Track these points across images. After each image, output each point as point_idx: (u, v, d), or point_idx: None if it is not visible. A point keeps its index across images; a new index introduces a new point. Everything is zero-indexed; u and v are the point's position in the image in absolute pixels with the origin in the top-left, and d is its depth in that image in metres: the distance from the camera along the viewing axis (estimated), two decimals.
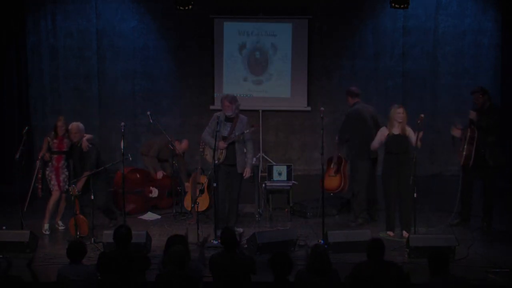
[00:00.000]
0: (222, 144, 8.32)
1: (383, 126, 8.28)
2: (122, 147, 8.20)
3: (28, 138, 8.68)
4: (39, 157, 8.61)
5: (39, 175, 8.54)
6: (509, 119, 11.50)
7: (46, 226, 8.60)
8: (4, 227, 8.37)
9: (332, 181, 9.29)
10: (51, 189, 8.61)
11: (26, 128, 8.62)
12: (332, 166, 9.29)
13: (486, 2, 11.93)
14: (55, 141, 8.58)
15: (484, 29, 11.96)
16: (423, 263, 6.20)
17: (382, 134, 8.18)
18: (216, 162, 8.23)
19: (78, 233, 8.00)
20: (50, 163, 8.57)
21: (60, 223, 8.77)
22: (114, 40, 12.19)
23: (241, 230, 8.34)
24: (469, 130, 8.26)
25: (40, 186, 8.52)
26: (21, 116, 11.69)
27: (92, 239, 7.93)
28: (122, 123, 8.29)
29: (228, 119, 8.36)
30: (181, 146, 9.81)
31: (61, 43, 12.14)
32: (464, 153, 8.26)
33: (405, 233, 8.07)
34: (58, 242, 8.16)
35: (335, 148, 9.22)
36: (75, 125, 8.71)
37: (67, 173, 8.66)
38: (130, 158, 8.53)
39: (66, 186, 8.57)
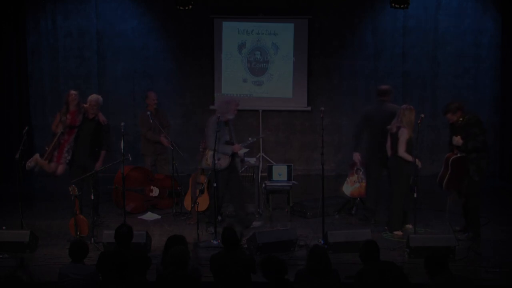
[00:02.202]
0: (238, 147, 8.42)
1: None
2: (122, 147, 8.21)
3: (28, 138, 8.67)
4: (55, 132, 8.61)
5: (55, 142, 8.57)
6: (509, 119, 11.52)
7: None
8: (4, 227, 8.39)
9: (360, 188, 9.19)
10: (52, 159, 8.61)
11: (26, 128, 8.62)
12: (355, 171, 9.23)
13: (486, 2, 11.91)
14: (68, 116, 8.56)
15: (484, 29, 11.94)
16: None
17: (406, 139, 8.18)
18: (226, 165, 8.37)
19: (78, 233, 8.00)
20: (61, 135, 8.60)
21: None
22: (114, 40, 12.18)
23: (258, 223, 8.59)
24: (452, 154, 8.08)
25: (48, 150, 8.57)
26: (21, 116, 11.68)
27: (92, 239, 7.94)
28: (122, 123, 8.31)
29: (225, 123, 8.44)
30: (150, 100, 10.07)
31: (61, 43, 12.12)
32: (440, 174, 8.15)
33: (410, 226, 8.27)
34: (58, 242, 8.15)
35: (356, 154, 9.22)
36: (95, 97, 8.72)
37: (72, 143, 8.67)
38: (130, 158, 8.54)
39: (69, 158, 8.57)
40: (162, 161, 10.21)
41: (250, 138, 8.63)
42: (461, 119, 8.04)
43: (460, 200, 8.37)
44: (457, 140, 7.99)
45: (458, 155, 8.01)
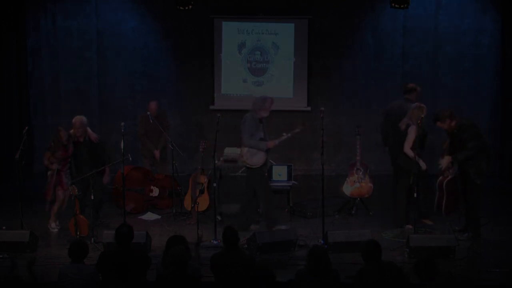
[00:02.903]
0: (272, 143, 8.48)
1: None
2: (122, 147, 8.21)
3: (28, 138, 8.66)
4: (48, 168, 8.53)
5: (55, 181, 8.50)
6: (509, 119, 11.52)
7: (53, 224, 8.61)
8: (4, 227, 8.38)
9: (360, 188, 9.26)
10: (56, 193, 8.56)
11: (26, 128, 8.61)
12: (355, 171, 9.25)
13: (486, 2, 11.91)
14: (60, 152, 8.49)
15: (484, 29, 11.93)
16: None
17: (413, 136, 8.18)
18: (262, 163, 8.46)
19: (78, 233, 8.00)
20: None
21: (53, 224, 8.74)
22: (114, 40, 12.17)
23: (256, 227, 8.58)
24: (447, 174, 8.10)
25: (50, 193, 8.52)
26: (21, 116, 11.68)
27: (92, 239, 7.94)
28: (122, 123, 8.31)
29: (260, 120, 8.46)
30: (151, 108, 10.02)
31: (61, 43, 12.11)
32: (437, 200, 8.18)
33: (410, 226, 8.32)
34: (58, 242, 8.16)
35: (358, 153, 9.21)
36: (79, 119, 8.65)
37: (68, 170, 8.64)
38: (130, 158, 8.54)
39: (69, 182, 8.54)
40: (162, 161, 10.21)
41: (284, 134, 8.62)
42: (455, 131, 8.03)
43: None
44: (444, 161, 8.04)
45: (449, 177, 8.07)
